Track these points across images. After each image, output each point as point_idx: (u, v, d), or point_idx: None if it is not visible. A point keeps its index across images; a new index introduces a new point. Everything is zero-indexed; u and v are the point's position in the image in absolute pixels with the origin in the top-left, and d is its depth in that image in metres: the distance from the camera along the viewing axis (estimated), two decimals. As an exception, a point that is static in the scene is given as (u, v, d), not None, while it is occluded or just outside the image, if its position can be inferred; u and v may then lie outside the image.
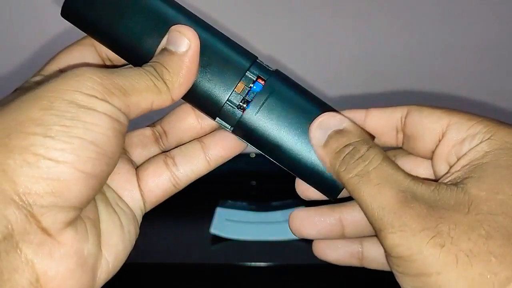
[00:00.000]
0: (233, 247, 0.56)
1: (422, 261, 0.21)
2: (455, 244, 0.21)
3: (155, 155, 0.29)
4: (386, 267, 0.28)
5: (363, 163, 0.24)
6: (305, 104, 0.27)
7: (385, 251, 0.23)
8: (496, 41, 0.57)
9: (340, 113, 0.27)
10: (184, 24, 0.26)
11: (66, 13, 0.26)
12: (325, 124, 0.26)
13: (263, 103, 0.26)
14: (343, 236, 0.29)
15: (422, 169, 0.27)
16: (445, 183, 0.24)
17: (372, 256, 0.29)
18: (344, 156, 0.25)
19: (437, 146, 0.26)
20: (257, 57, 0.27)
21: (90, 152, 0.21)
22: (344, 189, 0.26)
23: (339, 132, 0.26)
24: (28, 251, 0.20)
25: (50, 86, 0.22)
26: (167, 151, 0.29)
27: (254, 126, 0.27)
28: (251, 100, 0.26)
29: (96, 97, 0.22)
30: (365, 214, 0.24)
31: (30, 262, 0.20)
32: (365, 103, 0.28)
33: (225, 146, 0.28)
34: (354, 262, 0.29)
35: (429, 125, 0.25)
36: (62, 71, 0.27)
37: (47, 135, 0.20)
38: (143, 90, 0.23)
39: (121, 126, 0.23)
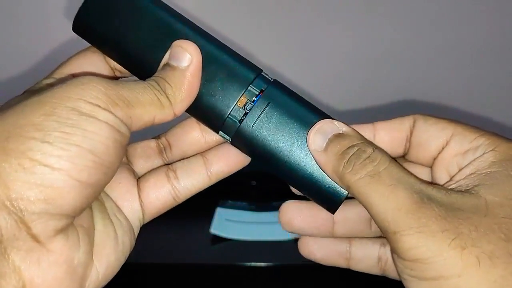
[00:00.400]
0: (233, 247, 0.56)
1: (442, 263, 0.21)
2: (476, 246, 0.21)
3: (157, 167, 0.29)
4: (372, 270, 0.29)
5: (371, 164, 0.24)
6: (303, 113, 0.26)
7: (397, 254, 0.22)
8: (499, 54, 0.57)
9: (339, 121, 0.27)
10: (187, 39, 0.26)
11: (77, 28, 0.27)
12: (323, 129, 0.26)
13: (260, 114, 0.26)
14: (332, 235, 0.28)
15: (421, 177, 0.27)
16: (454, 189, 0.24)
17: (359, 256, 0.28)
18: (350, 157, 0.24)
19: (439, 153, 0.26)
20: (261, 70, 0.27)
21: (87, 161, 0.21)
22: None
23: (339, 136, 0.25)
24: (16, 257, 0.20)
25: (55, 92, 0.22)
26: (169, 164, 0.29)
27: (251, 137, 0.26)
28: (249, 111, 0.26)
29: (99, 106, 0.22)
30: (375, 216, 0.23)
31: (17, 268, 0.20)
32: (365, 116, 0.28)
33: (227, 162, 0.28)
34: (341, 262, 0.29)
35: (435, 133, 0.26)
36: (74, 75, 0.27)
37: (45, 141, 0.20)
38: (147, 103, 0.24)
39: (122, 137, 0.23)
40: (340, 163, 0.24)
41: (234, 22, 0.54)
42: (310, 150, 0.26)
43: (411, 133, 0.27)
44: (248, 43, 0.55)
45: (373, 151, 0.24)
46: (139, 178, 0.28)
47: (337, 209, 0.26)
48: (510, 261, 0.21)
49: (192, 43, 0.25)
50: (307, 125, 0.26)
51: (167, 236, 0.57)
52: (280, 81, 0.27)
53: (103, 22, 0.26)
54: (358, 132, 0.26)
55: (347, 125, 0.26)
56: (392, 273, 0.28)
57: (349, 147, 0.25)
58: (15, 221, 0.20)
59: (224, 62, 0.26)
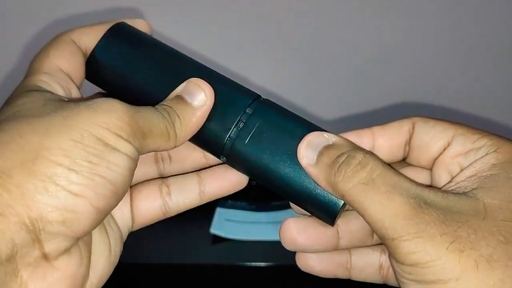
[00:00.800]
0: (233, 247, 0.56)
1: (441, 267, 0.21)
2: (475, 249, 0.21)
3: (151, 179, 0.29)
4: (374, 278, 0.28)
5: (363, 171, 0.23)
6: (293, 127, 0.26)
7: (396, 259, 0.22)
8: (500, 53, 0.56)
9: (328, 132, 0.26)
10: (193, 75, 0.27)
11: (89, 70, 0.28)
12: (313, 142, 0.25)
13: (251, 132, 0.26)
14: (335, 248, 0.27)
15: (421, 179, 0.27)
16: (452, 192, 0.24)
17: (360, 266, 0.28)
18: (339, 166, 0.24)
19: (440, 155, 0.26)
20: (259, 96, 0.27)
21: (106, 191, 0.22)
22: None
23: (329, 147, 0.25)
24: (24, 273, 0.21)
25: (81, 115, 0.22)
26: (164, 177, 0.29)
27: (244, 155, 0.26)
28: (241, 130, 0.26)
29: (122, 138, 0.22)
30: (372, 223, 0.23)
31: (24, 284, 0.21)
32: (363, 121, 0.28)
33: (220, 185, 0.28)
34: (340, 273, 0.28)
35: (436, 135, 0.26)
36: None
37: (72, 169, 0.21)
38: (157, 135, 0.24)
39: (135, 165, 0.23)
40: (331, 173, 0.24)
41: (231, 23, 0.55)
42: (302, 165, 0.25)
43: (410, 136, 0.27)
44: (243, 49, 0.55)
45: (364, 156, 0.24)
46: (132, 186, 0.29)
47: (335, 221, 0.26)
48: (509, 264, 0.20)
49: (208, 85, 0.26)
50: (298, 139, 0.26)
51: (167, 236, 0.57)
52: (271, 100, 0.28)
53: (117, 61, 0.27)
54: (348, 140, 0.26)
55: (337, 135, 0.26)
56: (394, 281, 0.28)
57: (338, 156, 0.24)
58: (31, 239, 0.20)
59: (222, 90, 0.27)
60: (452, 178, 0.25)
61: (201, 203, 0.29)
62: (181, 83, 0.27)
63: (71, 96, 0.26)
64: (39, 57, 0.26)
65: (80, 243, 0.23)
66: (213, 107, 0.26)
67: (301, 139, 0.26)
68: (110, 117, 0.22)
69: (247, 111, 0.26)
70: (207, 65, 0.28)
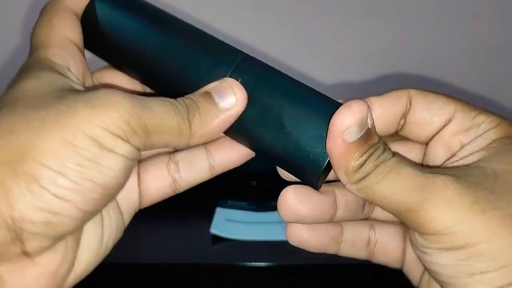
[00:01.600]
0: (233, 247, 0.56)
1: (467, 230, 0.20)
2: (497, 208, 0.20)
3: (158, 156, 0.28)
4: (360, 254, 0.28)
5: (382, 166, 0.22)
6: (278, 82, 0.25)
7: (418, 231, 0.22)
8: (494, 35, 0.56)
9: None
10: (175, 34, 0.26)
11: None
12: (364, 120, 0.23)
13: None
14: (331, 220, 0.26)
15: (414, 154, 0.27)
16: (454, 165, 0.24)
17: (351, 240, 0.27)
18: (368, 157, 0.23)
19: (440, 130, 0.25)
20: (247, 55, 0.26)
21: (96, 194, 0.21)
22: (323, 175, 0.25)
23: (369, 132, 0.23)
24: (2, 268, 0.20)
25: (78, 113, 0.20)
26: (171, 152, 0.28)
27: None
28: None
29: (120, 138, 0.21)
30: (385, 202, 0.22)
31: (1, 278, 0.20)
32: (354, 90, 0.27)
33: (230, 158, 0.27)
34: (331, 248, 0.27)
35: (437, 111, 0.25)
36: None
37: (59, 172, 0.20)
38: (166, 131, 0.23)
39: (133, 164, 0.22)
40: (355, 160, 0.22)
41: (238, 16, 0.55)
42: (332, 134, 0.22)
43: (407, 110, 0.26)
44: (239, 23, 0.55)
45: (384, 149, 0.23)
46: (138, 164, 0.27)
47: (318, 181, 0.25)
48: None
49: (243, 90, 0.24)
50: (288, 96, 0.25)
51: (167, 236, 0.57)
52: (257, 59, 0.26)
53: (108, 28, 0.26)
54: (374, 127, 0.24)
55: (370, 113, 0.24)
56: (379, 257, 0.28)
57: (371, 146, 0.23)
58: (12, 237, 0.20)
59: (208, 50, 0.26)
60: (456, 152, 0.25)
61: (211, 177, 0.28)
62: (170, 44, 0.26)
63: (81, 71, 0.25)
64: (43, 28, 0.25)
65: (68, 237, 0.22)
66: (201, 66, 0.25)
67: (291, 97, 0.24)
68: (109, 115, 0.21)
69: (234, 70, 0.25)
70: (198, 26, 0.27)
